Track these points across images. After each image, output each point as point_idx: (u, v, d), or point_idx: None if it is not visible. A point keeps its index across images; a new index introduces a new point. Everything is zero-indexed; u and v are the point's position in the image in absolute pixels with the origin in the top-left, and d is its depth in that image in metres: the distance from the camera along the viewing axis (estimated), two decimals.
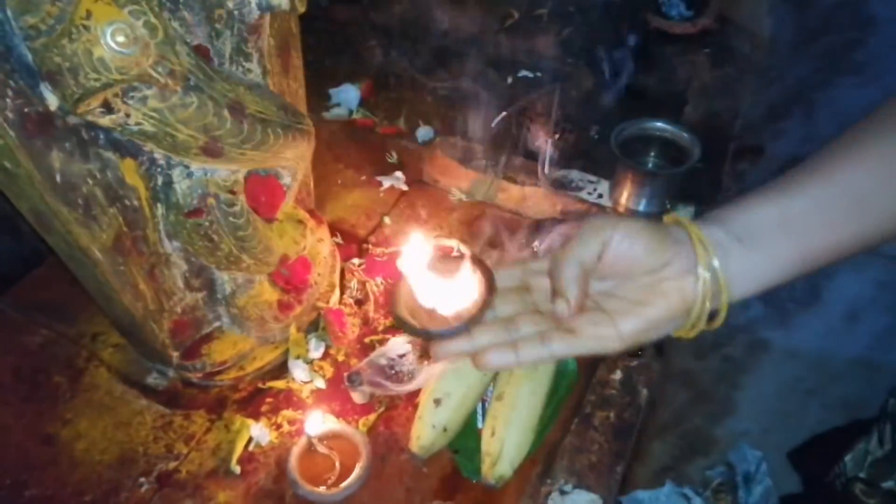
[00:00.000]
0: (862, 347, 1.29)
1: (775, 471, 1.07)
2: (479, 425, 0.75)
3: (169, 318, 0.74)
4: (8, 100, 0.50)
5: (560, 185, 0.97)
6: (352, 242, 0.96)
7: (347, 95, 1.24)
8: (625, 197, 0.91)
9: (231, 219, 0.66)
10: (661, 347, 0.78)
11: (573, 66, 1.08)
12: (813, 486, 1.10)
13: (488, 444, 0.70)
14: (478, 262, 0.46)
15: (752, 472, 1.07)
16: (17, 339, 0.85)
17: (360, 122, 1.18)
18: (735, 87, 1.12)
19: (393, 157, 1.09)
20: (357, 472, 0.69)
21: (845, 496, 1.04)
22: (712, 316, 0.44)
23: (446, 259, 0.47)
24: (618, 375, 0.75)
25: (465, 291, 0.45)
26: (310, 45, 1.31)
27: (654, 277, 0.44)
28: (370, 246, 0.96)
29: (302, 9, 0.63)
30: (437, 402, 0.72)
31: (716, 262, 0.43)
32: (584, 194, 0.96)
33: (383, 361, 0.79)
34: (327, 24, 1.35)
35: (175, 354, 0.77)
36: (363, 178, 1.07)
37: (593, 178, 0.98)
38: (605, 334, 0.44)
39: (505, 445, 0.69)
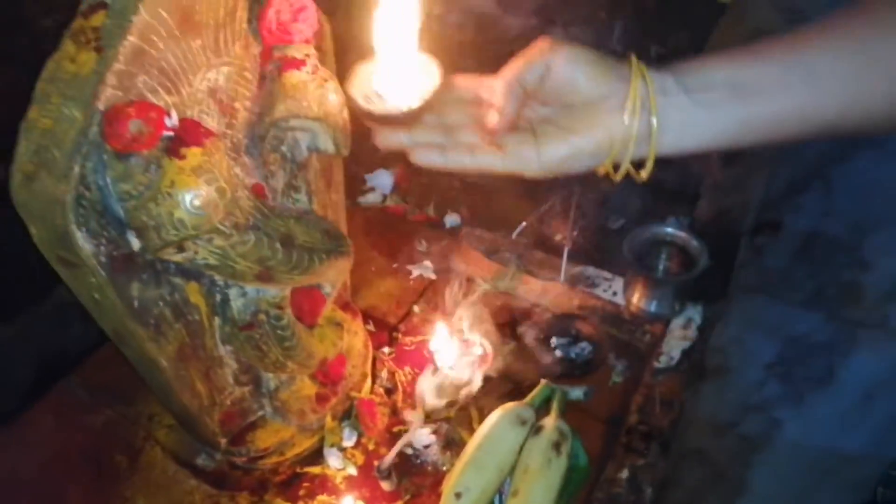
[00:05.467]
0: (875, 430, 1.32)
1: None
2: None
3: (220, 410, 0.82)
4: (102, 246, 0.60)
5: (577, 281, 1.05)
6: (383, 330, 1.05)
7: (381, 181, 1.34)
8: (636, 298, 0.98)
9: (279, 332, 0.75)
10: (667, 446, 0.84)
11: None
12: None
13: None
14: (441, 69, 0.49)
15: None
16: (84, 419, 0.95)
17: (392, 210, 1.27)
18: (746, 184, 1.19)
19: (423, 246, 1.18)
20: None
21: None
22: (641, 165, 0.45)
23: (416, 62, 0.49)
24: (625, 474, 0.82)
25: (417, 89, 0.48)
26: None
27: (590, 109, 0.44)
28: (400, 335, 1.04)
29: (345, 153, 0.72)
30: (458, 495, 0.79)
31: (652, 107, 0.43)
32: (599, 291, 1.03)
33: (409, 451, 0.87)
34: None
35: (223, 441, 0.85)
36: (395, 265, 1.16)
37: (608, 276, 1.05)
38: (527, 155, 0.46)
39: None
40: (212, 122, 0.65)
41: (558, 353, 0.96)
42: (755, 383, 1.44)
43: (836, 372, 1.44)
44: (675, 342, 0.94)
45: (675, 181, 1.24)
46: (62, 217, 0.56)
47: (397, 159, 1.38)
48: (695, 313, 0.98)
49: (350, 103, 0.49)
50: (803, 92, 0.42)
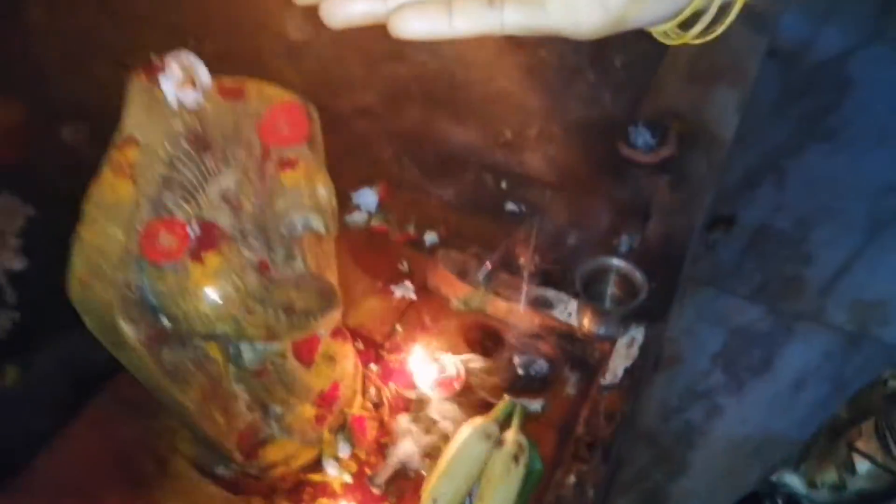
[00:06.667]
0: (803, 414, 1.51)
1: None
2: None
3: (235, 433, 0.98)
4: (141, 328, 0.75)
5: (538, 303, 1.21)
6: (370, 348, 1.20)
7: (367, 199, 1.48)
8: (587, 321, 1.15)
9: (283, 376, 0.90)
10: (608, 453, 1.02)
11: (553, 197, 1.31)
12: None
13: None
14: None
15: None
16: (116, 430, 1.11)
17: (377, 229, 1.42)
18: (690, 207, 1.34)
19: (405, 266, 1.33)
20: None
21: None
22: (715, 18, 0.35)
23: None
24: (571, 479, 0.99)
25: None
26: (332, 150, 1.55)
27: None
28: (385, 353, 1.20)
29: (334, 233, 0.86)
30: (435, 500, 0.97)
31: None
32: (556, 312, 1.19)
33: (395, 461, 1.04)
34: (347, 134, 1.58)
35: (239, 456, 1.02)
36: (379, 285, 1.31)
37: (565, 298, 1.21)
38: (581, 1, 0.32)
39: None
40: (225, 220, 0.78)
41: (520, 370, 1.12)
42: (702, 372, 1.63)
43: (773, 361, 1.64)
44: (620, 360, 1.11)
45: (630, 202, 1.40)
46: (110, 314, 0.71)
47: (381, 175, 1.52)
48: (637, 333, 1.15)
49: None
50: None
